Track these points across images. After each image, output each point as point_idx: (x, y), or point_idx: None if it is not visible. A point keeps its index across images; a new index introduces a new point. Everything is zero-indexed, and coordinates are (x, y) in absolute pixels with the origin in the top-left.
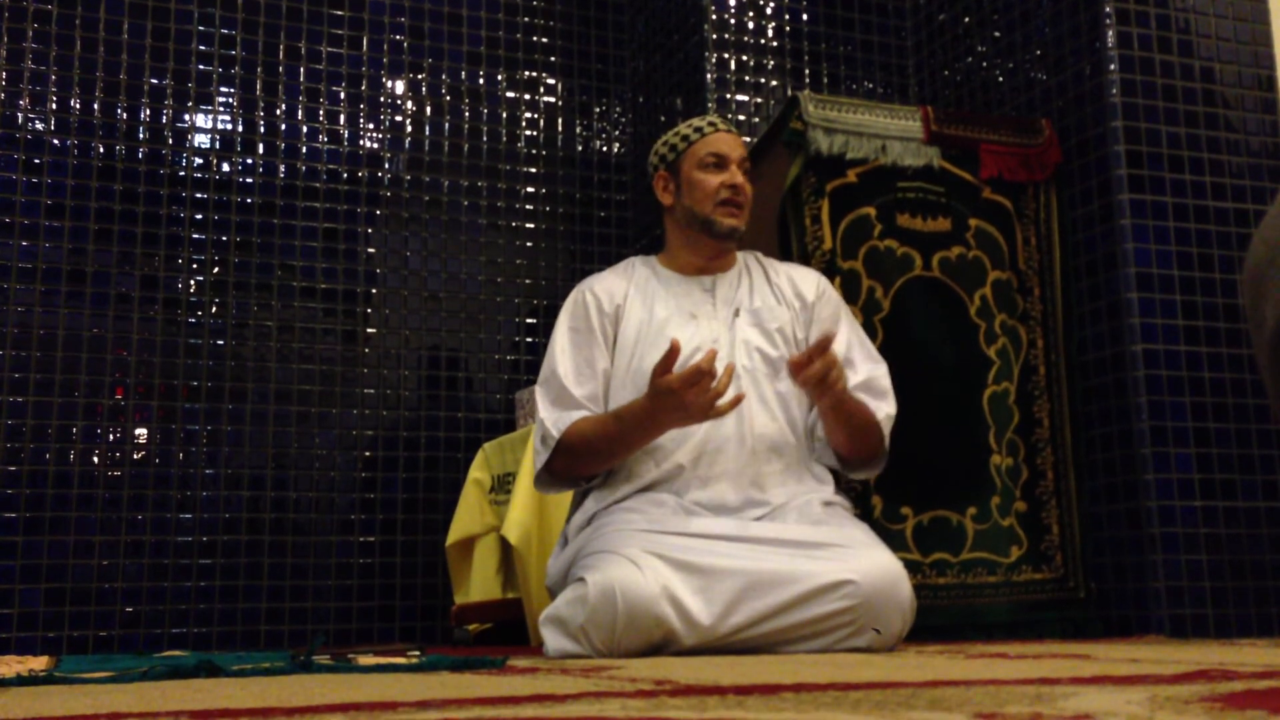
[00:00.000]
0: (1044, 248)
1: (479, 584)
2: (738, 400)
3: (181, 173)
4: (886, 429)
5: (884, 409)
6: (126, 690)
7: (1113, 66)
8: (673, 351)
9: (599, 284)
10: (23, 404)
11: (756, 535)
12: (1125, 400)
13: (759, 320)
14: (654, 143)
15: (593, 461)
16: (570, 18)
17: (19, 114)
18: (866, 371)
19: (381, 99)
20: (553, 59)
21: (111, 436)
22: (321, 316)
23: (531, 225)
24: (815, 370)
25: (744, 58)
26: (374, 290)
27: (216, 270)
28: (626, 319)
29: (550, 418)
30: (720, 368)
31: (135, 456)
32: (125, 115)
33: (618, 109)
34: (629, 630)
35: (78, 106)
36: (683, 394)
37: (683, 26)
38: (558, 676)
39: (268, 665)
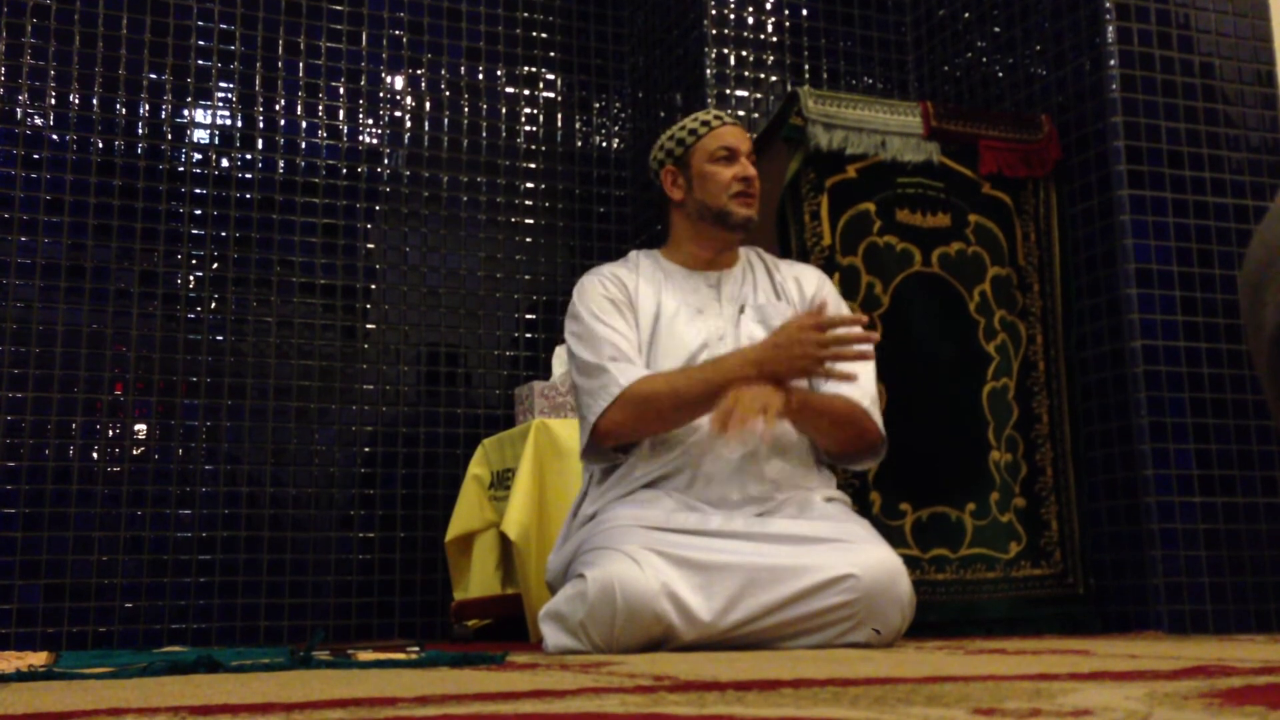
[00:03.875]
0: (1043, 244)
1: (478, 580)
2: (847, 377)
3: (181, 168)
4: (874, 413)
5: (860, 387)
6: (126, 686)
7: (1113, 62)
8: (821, 308)
9: (609, 270)
10: (22, 400)
11: (757, 531)
12: (1124, 396)
13: (764, 317)
14: (654, 138)
15: (667, 412)
16: (569, 13)
17: (18, 109)
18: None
19: (381, 94)
20: (552, 54)
21: (111, 432)
22: (321, 312)
23: (531, 221)
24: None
25: (744, 53)
26: (373, 286)
27: (216, 266)
28: (638, 309)
29: (617, 368)
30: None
31: (135, 452)
32: (124, 110)
33: (617, 104)
34: (628, 627)
35: (76, 102)
36: (810, 339)
37: (682, 22)
38: (557, 672)
39: (267, 661)
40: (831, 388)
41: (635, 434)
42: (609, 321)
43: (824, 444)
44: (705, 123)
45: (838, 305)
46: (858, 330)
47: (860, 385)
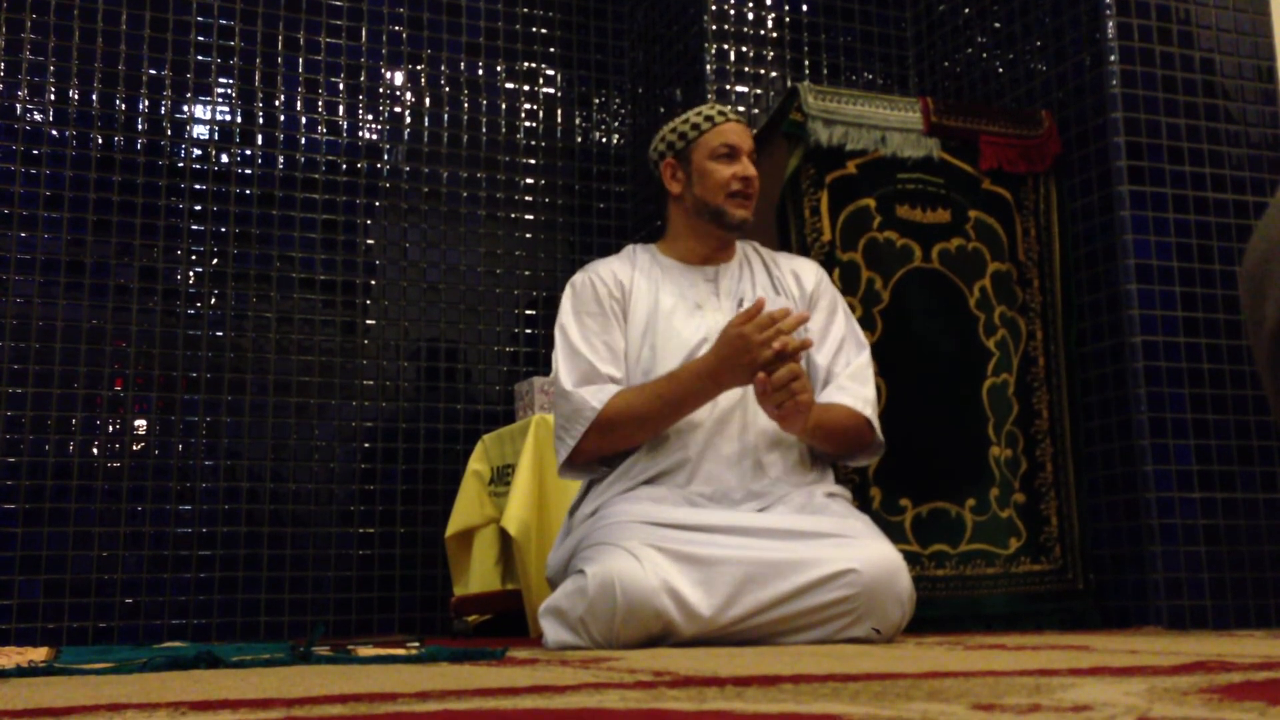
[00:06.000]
0: (1044, 239)
1: (478, 575)
2: (804, 345)
3: (180, 164)
4: (873, 417)
5: (863, 394)
6: (126, 681)
7: (1113, 58)
8: (758, 305)
9: (603, 268)
10: (22, 395)
11: (757, 526)
12: (1124, 392)
13: None
14: (654, 134)
15: (635, 432)
16: (569, 9)
17: (17, 105)
18: (854, 360)
19: (380, 90)
20: (552, 50)
21: (111, 428)
22: (320, 308)
23: (531, 217)
24: (780, 376)
25: (743, 49)
26: (373, 281)
27: (215, 261)
28: (634, 305)
29: (588, 392)
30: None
31: (134, 448)
32: (124, 106)
33: (617, 100)
34: (628, 622)
35: (76, 97)
36: (751, 336)
37: (682, 17)
38: (557, 668)
39: (267, 656)
40: (834, 397)
41: (609, 451)
42: (591, 327)
43: (823, 450)
44: (709, 118)
45: (835, 298)
46: (791, 315)
47: (860, 393)
